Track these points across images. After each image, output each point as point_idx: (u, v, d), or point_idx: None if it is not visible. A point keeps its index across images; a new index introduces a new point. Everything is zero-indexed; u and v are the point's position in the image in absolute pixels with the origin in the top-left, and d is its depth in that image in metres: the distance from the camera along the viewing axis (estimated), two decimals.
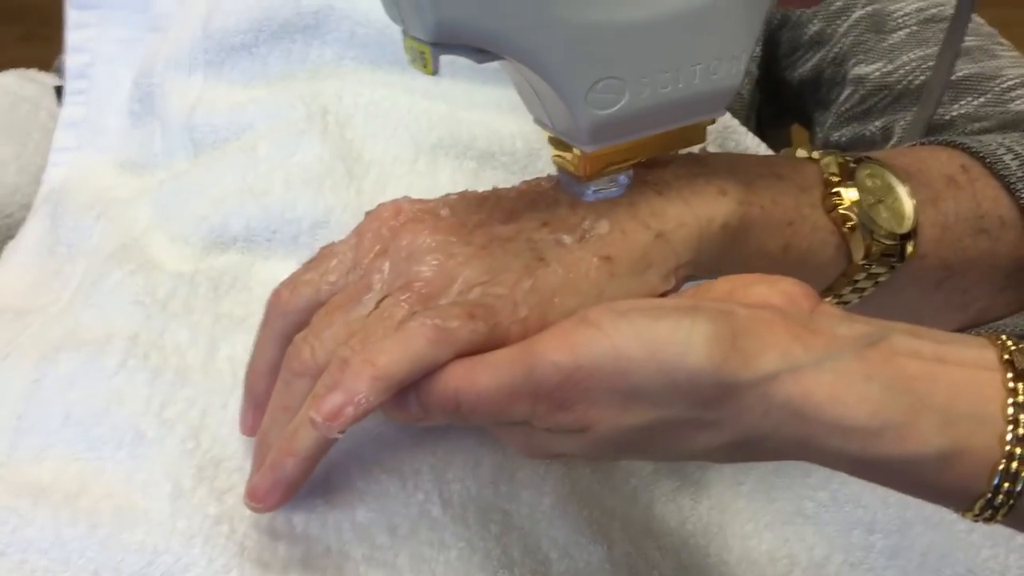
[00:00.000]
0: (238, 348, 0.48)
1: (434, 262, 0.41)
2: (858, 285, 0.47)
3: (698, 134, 0.45)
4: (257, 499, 0.40)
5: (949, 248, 0.49)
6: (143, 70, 0.65)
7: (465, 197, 0.45)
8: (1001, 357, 0.36)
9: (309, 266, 0.45)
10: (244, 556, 0.41)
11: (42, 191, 0.66)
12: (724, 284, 0.40)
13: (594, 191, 0.43)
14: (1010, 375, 0.36)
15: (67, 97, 0.69)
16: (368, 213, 0.45)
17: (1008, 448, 0.35)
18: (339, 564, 0.42)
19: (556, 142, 0.44)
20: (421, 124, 0.58)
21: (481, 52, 0.38)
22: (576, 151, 0.42)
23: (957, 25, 0.51)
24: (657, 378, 0.36)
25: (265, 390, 0.44)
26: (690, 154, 0.46)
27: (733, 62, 0.42)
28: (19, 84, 0.78)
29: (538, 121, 0.44)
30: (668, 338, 0.35)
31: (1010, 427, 0.35)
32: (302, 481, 0.41)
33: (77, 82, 0.69)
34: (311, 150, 0.56)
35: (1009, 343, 0.37)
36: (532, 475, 0.47)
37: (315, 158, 0.56)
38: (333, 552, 0.43)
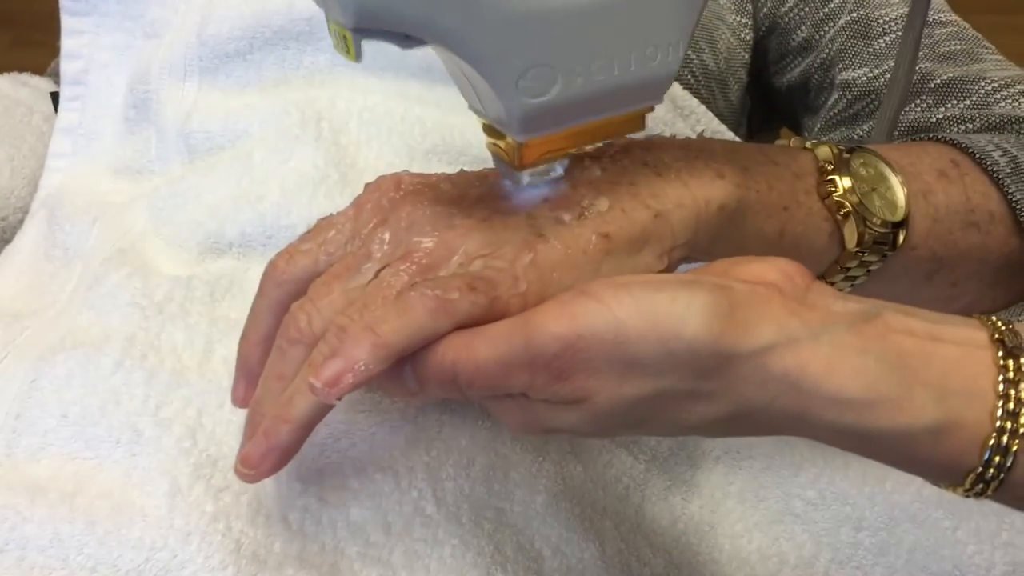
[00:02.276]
0: (233, 350, 0.48)
1: (435, 233, 0.41)
2: (850, 273, 0.48)
3: (636, 123, 0.44)
4: (250, 465, 0.40)
5: (940, 240, 0.49)
6: (138, 76, 0.66)
7: (465, 173, 0.45)
8: (992, 336, 0.37)
9: (306, 236, 0.45)
10: (240, 553, 0.42)
11: (39, 196, 0.67)
12: (720, 264, 0.40)
13: (529, 180, 0.43)
14: (1000, 353, 0.37)
15: (63, 103, 0.69)
16: (367, 185, 0.45)
17: (999, 423, 0.35)
18: (334, 561, 0.43)
19: (490, 130, 0.43)
20: (415, 130, 0.59)
21: (406, 38, 0.37)
22: (510, 140, 0.41)
23: (913, 25, 0.51)
24: (656, 348, 0.36)
25: (258, 360, 0.43)
26: (687, 138, 0.46)
27: (670, 49, 0.41)
28: (13, 88, 0.78)
29: (472, 108, 0.43)
30: (667, 309, 0.36)
31: (1001, 402, 0.36)
32: (295, 449, 0.40)
33: (72, 88, 0.69)
34: (306, 156, 0.56)
35: (999, 324, 0.38)
36: (525, 474, 0.47)
37: (310, 164, 0.56)
38: (328, 549, 0.43)
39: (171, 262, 0.55)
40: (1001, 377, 0.36)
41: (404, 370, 0.38)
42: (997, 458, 0.36)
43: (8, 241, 0.69)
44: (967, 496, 0.37)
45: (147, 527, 0.42)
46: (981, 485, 0.36)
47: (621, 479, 0.52)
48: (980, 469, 0.36)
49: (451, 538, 0.44)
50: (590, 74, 0.39)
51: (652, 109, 0.44)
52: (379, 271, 0.41)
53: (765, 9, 0.71)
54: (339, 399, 0.38)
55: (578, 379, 0.37)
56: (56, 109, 0.72)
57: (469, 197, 0.43)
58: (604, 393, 0.37)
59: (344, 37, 0.37)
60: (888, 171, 0.48)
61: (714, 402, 0.37)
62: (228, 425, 0.46)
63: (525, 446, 0.49)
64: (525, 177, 0.43)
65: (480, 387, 0.38)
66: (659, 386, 0.37)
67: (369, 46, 0.62)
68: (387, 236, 0.42)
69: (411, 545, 0.44)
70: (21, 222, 0.70)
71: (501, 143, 0.42)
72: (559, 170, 0.43)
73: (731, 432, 0.39)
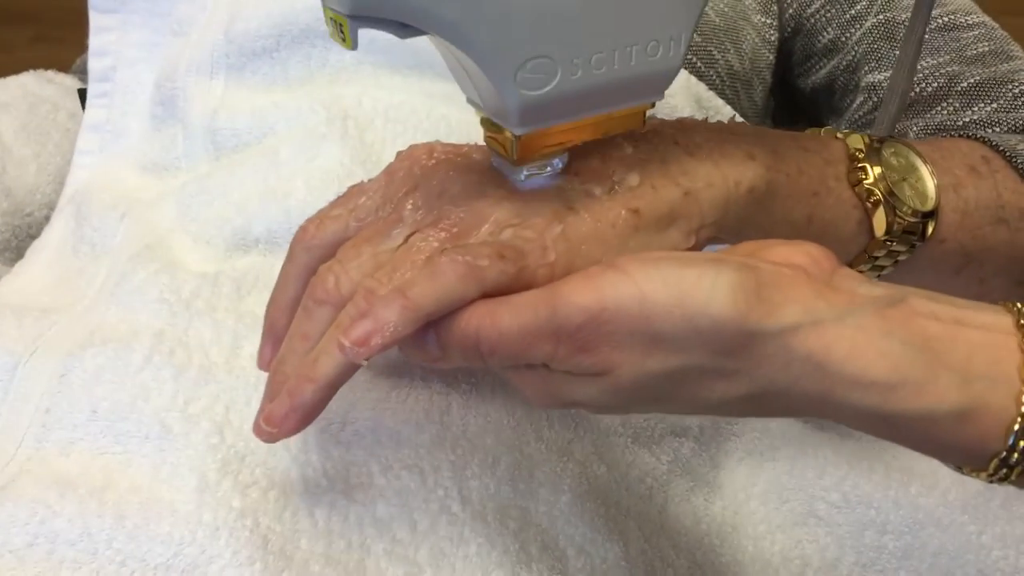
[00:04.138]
0: None
1: (466, 201, 0.41)
2: (878, 262, 0.48)
3: (636, 119, 0.43)
4: (273, 423, 0.39)
5: (969, 234, 0.49)
6: (165, 73, 0.66)
7: None
8: (1017, 322, 0.37)
9: (336, 202, 0.45)
10: (267, 549, 0.42)
11: (66, 192, 0.67)
12: (747, 246, 0.40)
13: (527, 175, 0.42)
14: None
15: (90, 100, 0.70)
16: (399, 153, 0.45)
17: None
18: (360, 558, 0.43)
19: (488, 123, 0.42)
20: (439, 129, 0.59)
21: (403, 27, 0.36)
22: (508, 133, 0.41)
23: (916, 24, 0.51)
24: (681, 324, 0.36)
25: (285, 325, 0.43)
26: (719, 122, 0.46)
27: (672, 44, 0.40)
28: (39, 85, 0.79)
29: (470, 101, 0.43)
30: (694, 284, 0.36)
31: None
32: (319, 410, 0.40)
33: (100, 85, 0.70)
34: (331, 154, 0.57)
35: None
36: (550, 473, 0.48)
37: (336, 162, 0.56)
38: (354, 546, 0.43)
39: (198, 258, 0.56)
40: None
41: (428, 336, 0.38)
42: (1022, 443, 0.35)
43: (34, 236, 0.69)
44: (991, 481, 0.37)
45: (176, 522, 0.42)
46: (1005, 470, 0.36)
47: (644, 480, 0.52)
48: (1004, 454, 0.36)
49: (477, 537, 0.44)
50: (590, 67, 0.39)
51: (653, 106, 0.43)
52: (409, 236, 0.41)
53: (791, 10, 0.71)
54: (367, 360, 0.38)
55: (601, 352, 0.37)
56: (83, 106, 0.72)
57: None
58: (627, 367, 0.37)
59: (340, 24, 0.36)
60: (919, 162, 0.48)
61: (736, 381, 0.37)
62: None
63: (550, 446, 0.49)
64: (523, 172, 0.42)
65: (502, 356, 0.38)
66: (682, 362, 0.37)
67: (397, 45, 0.62)
68: (418, 202, 0.42)
69: (437, 543, 0.44)
70: (47, 218, 0.71)
71: (499, 137, 0.42)
72: (558, 165, 0.43)
73: (752, 412, 0.39)
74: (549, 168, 0.43)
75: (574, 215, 0.41)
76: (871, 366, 0.36)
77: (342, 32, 0.36)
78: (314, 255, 0.44)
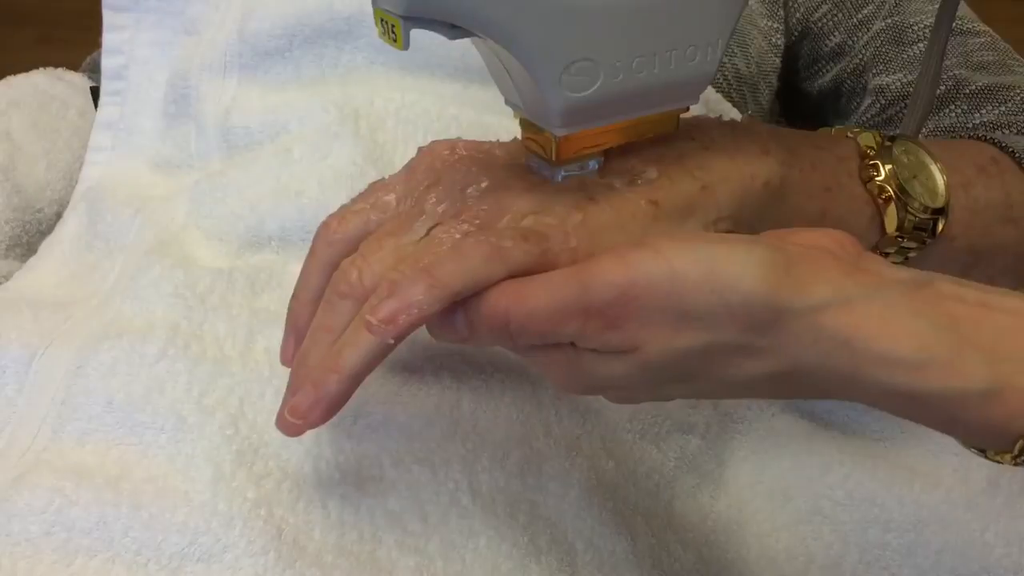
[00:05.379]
0: (274, 341, 0.49)
1: (488, 194, 0.41)
2: (889, 259, 0.48)
3: (671, 122, 0.44)
4: (298, 415, 0.40)
5: (978, 233, 0.50)
6: (178, 72, 0.67)
7: (518, 141, 0.45)
8: None
9: (359, 198, 0.45)
10: (281, 539, 0.43)
11: (79, 189, 0.68)
12: (773, 233, 0.41)
13: (564, 175, 0.43)
14: None
15: (103, 98, 0.70)
16: (420, 149, 0.45)
17: None
18: (372, 549, 0.44)
19: (527, 124, 0.43)
20: (450, 129, 0.60)
21: (453, 28, 0.37)
22: (547, 134, 0.42)
23: (941, 30, 0.52)
24: (712, 299, 0.36)
25: (308, 319, 0.44)
26: (733, 119, 0.47)
27: (709, 49, 0.41)
28: (49, 83, 0.79)
29: (509, 102, 0.43)
30: (725, 260, 0.36)
31: None
32: (342, 401, 0.40)
33: (113, 83, 0.70)
34: (344, 153, 0.57)
35: None
36: (559, 468, 0.48)
37: (348, 161, 0.57)
38: (366, 538, 0.44)
39: (211, 255, 0.56)
40: None
41: (456, 315, 0.39)
42: None
43: (44, 233, 0.70)
44: (1016, 463, 0.37)
45: (191, 512, 0.43)
46: None
47: (651, 476, 0.53)
48: None
49: (487, 529, 0.45)
50: (631, 71, 0.40)
51: (687, 109, 0.44)
52: (431, 229, 0.41)
53: (798, 15, 0.72)
54: (395, 340, 0.38)
55: (630, 327, 0.37)
56: (96, 104, 0.73)
57: (522, 163, 0.43)
58: (656, 343, 0.37)
59: (392, 25, 0.37)
60: (929, 160, 0.49)
61: (765, 358, 0.37)
62: (270, 414, 0.47)
63: (559, 441, 0.49)
64: (560, 173, 0.43)
65: (530, 333, 0.38)
66: (711, 338, 0.37)
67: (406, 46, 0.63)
68: (441, 196, 0.42)
69: (447, 535, 0.45)
70: (57, 214, 0.71)
71: (538, 138, 0.43)
72: (593, 166, 0.44)
73: (780, 392, 0.39)
74: (584, 169, 0.44)
75: (595, 205, 0.41)
76: (899, 344, 0.36)
77: (394, 32, 0.37)
78: (336, 250, 0.44)
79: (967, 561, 0.50)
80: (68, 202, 0.69)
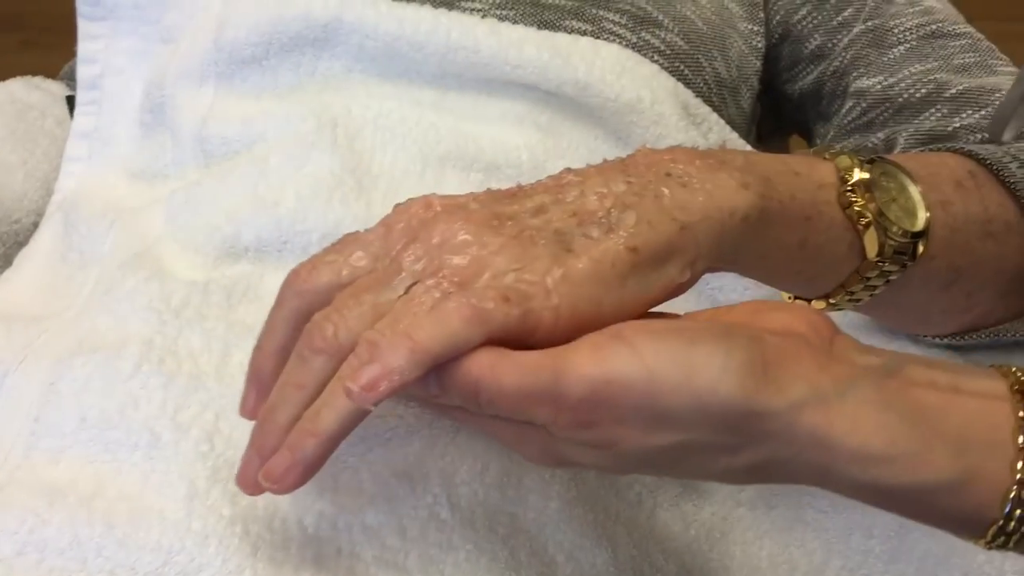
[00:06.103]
0: (250, 354, 0.48)
1: (466, 251, 0.41)
2: (870, 283, 0.48)
3: None
4: (272, 479, 0.38)
5: (958, 251, 0.50)
6: (154, 81, 0.66)
7: (493, 192, 0.45)
8: (1012, 387, 0.38)
9: (331, 249, 0.44)
10: (257, 556, 0.42)
11: (54, 199, 0.67)
12: (747, 308, 0.41)
13: None
14: (1020, 404, 0.37)
15: (79, 107, 0.70)
16: (397, 206, 0.44)
17: (1019, 476, 0.36)
18: (350, 565, 0.43)
19: None
20: (428, 137, 0.59)
21: None
22: None
23: None
24: (689, 403, 0.36)
25: (272, 372, 0.43)
26: (709, 149, 0.46)
27: None
28: (26, 91, 0.79)
29: None
30: (704, 364, 0.36)
31: (1021, 454, 0.36)
32: (320, 464, 0.39)
33: (88, 92, 0.70)
34: (321, 162, 0.57)
35: (1019, 374, 0.38)
36: (538, 480, 0.48)
37: (325, 170, 0.56)
38: (344, 553, 0.44)
39: (187, 266, 0.56)
40: (1020, 429, 0.36)
41: (429, 375, 0.38)
42: (1018, 511, 0.36)
43: (22, 244, 0.69)
44: (989, 548, 0.38)
45: (165, 530, 0.42)
46: (1003, 538, 0.37)
47: (633, 485, 0.52)
48: (1001, 522, 0.36)
49: (465, 543, 0.45)
50: None
51: None
52: (410, 287, 0.41)
53: (777, 17, 0.72)
54: (375, 405, 0.37)
55: (603, 427, 0.37)
56: (72, 113, 0.72)
57: (499, 216, 0.43)
58: (629, 441, 0.37)
59: None
60: (908, 182, 0.48)
61: (740, 454, 0.38)
62: (245, 430, 0.46)
63: None
64: None
65: (500, 409, 0.38)
66: (687, 438, 0.37)
67: (386, 54, 0.62)
68: (419, 253, 0.41)
69: (426, 550, 0.44)
70: (35, 224, 0.71)
71: None
72: None
73: (753, 480, 0.40)
74: None
75: (574, 257, 0.40)
76: (869, 440, 0.36)
77: None
78: (305, 300, 0.42)
79: (949, 568, 0.50)
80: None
